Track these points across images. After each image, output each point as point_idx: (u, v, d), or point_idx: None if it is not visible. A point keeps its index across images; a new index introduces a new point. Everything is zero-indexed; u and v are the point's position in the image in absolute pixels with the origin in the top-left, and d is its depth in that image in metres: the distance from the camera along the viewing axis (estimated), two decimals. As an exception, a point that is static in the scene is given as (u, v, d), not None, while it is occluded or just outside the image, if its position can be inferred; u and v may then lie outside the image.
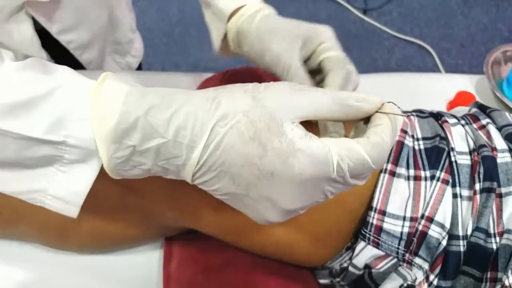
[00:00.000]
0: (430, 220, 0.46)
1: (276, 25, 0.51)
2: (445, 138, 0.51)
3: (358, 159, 0.31)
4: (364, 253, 0.48)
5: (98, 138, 0.32)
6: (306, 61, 0.50)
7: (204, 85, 0.74)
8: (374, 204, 0.47)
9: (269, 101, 0.32)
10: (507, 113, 0.55)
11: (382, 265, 0.47)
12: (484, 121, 0.54)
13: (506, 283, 0.44)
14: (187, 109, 0.32)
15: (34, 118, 0.32)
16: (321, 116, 0.33)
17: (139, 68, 1.08)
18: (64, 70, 0.35)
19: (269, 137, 0.31)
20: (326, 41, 0.48)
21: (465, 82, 0.83)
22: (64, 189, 0.35)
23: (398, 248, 0.47)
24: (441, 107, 0.79)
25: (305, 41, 0.48)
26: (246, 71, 0.72)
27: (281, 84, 0.33)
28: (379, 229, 0.47)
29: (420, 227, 0.46)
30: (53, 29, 0.76)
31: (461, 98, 0.77)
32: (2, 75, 0.32)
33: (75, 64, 0.86)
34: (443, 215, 0.46)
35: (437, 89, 0.82)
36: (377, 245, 0.47)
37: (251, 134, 0.31)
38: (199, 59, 1.78)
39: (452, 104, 0.78)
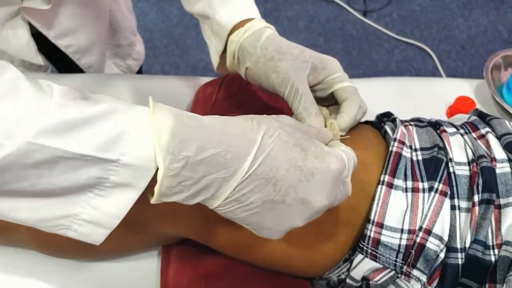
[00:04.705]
0: (428, 232, 0.46)
1: (283, 46, 0.51)
2: (444, 148, 0.51)
3: (352, 158, 0.41)
4: (362, 266, 0.48)
5: (157, 149, 0.32)
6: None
7: (203, 89, 0.74)
8: (372, 217, 0.47)
9: (288, 123, 0.40)
10: (507, 122, 0.55)
11: (380, 278, 0.47)
12: (484, 130, 0.54)
13: (505, 295, 0.44)
14: (233, 126, 0.36)
15: (88, 136, 0.32)
16: None
17: (140, 70, 1.07)
18: (107, 96, 0.35)
19: (307, 143, 0.38)
20: (335, 72, 0.51)
21: (465, 87, 0.83)
22: (100, 212, 0.34)
23: (396, 261, 0.47)
24: (441, 111, 0.79)
25: (312, 69, 0.50)
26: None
27: (285, 116, 0.42)
28: (377, 242, 0.47)
29: (418, 240, 0.46)
30: (50, 34, 0.75)
31: (461, 103, 0.77)
32: (54, 99, 0.32)
33: (75, 68, 0.86)
34: (441, 227, 0.46)
35: (437, 93, 0.82)
36: (374, 257, 0.47)
37: (293, 141, 0.37)
38: (199, 60, 1.77)
39: (451, 109, 0.78)
